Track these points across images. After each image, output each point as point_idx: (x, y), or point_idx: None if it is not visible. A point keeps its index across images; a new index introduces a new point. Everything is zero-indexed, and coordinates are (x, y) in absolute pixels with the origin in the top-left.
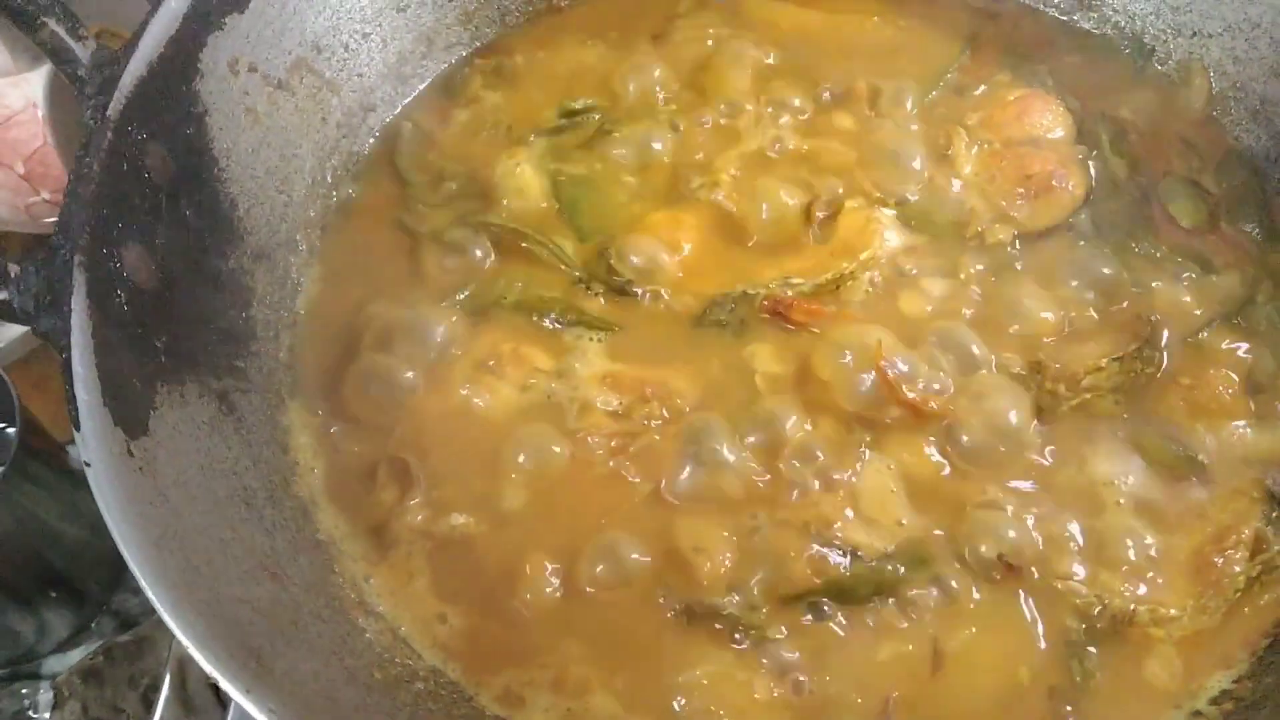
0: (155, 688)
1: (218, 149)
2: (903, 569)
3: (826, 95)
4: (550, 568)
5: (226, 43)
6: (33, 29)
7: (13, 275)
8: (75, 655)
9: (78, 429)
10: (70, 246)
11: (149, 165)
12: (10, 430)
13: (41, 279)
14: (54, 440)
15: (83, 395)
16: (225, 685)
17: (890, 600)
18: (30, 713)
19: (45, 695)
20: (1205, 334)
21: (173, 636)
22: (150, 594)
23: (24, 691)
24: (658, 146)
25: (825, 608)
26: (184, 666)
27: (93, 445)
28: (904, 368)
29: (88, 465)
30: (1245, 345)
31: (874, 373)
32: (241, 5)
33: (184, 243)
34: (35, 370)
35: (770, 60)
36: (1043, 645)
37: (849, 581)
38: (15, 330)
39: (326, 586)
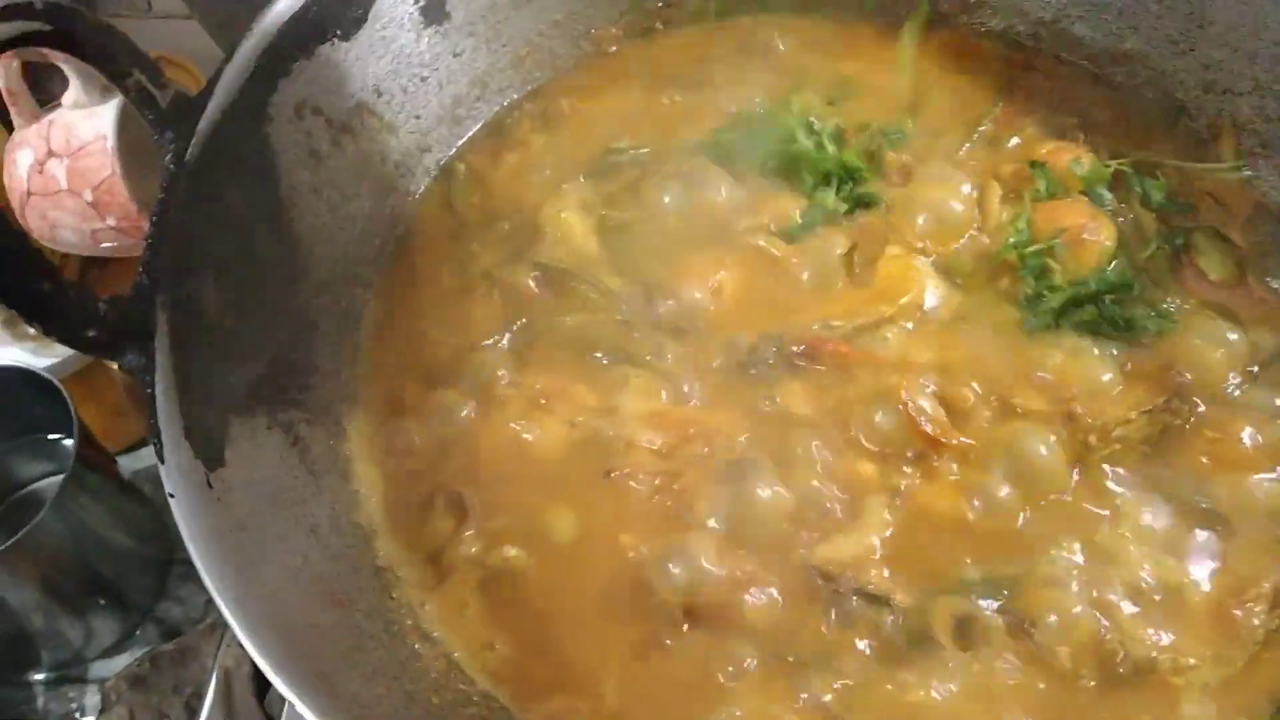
0: (199, 695)
1: (284, 189)
2: (935, 610)
3: (864, 143)
4: (593, 599)
5: (294, 88)
6: (120, 79)
7: (102, 313)
8: (120, 661)
9: (162, 463)
10: (153, 287)
11: (224, 206)
12: (66, 441)
13: (129, 318)
14: (105, 451)
15: (167, 430)
16: (302, 708)
17: (925, 643)
18: (77, 715)
19: (92, 699)
20: (1232, 387)
21: (217, 647)
22: (231, 621)
23: (71, 695)
24: (701, 189)
25: (862, 647)
26: (229, 676)
27: (176, 478)
28: (938, 410)
29: (172, 497)
30: (1271, 399)
31: (906, 414)
32: (309, 52)
33: (254, 280)
34: (89, 383)
35: (808, 106)
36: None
37: (887, 627)
38: None
39: (385, 612)
